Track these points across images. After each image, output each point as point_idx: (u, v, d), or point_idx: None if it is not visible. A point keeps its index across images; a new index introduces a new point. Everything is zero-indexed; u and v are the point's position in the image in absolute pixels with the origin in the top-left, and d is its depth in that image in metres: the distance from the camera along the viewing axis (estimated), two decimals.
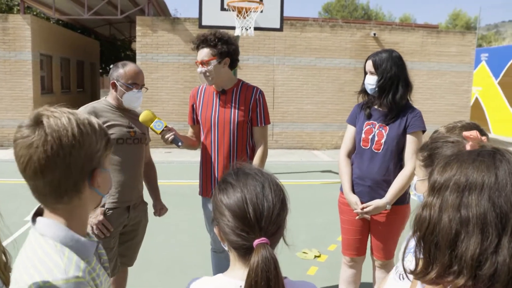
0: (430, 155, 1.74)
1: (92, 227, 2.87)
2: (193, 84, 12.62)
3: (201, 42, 3.06)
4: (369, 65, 3.04)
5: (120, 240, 3.07)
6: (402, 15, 51.30)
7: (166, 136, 2.96)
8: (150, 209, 3.33)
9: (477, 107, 17.68)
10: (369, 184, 3.02)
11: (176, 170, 9.77)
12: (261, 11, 7.55)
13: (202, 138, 3.28)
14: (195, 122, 3.36)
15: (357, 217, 3.03)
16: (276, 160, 11.13)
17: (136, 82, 2.96)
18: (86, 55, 18.67)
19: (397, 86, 2.97)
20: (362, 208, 2.96)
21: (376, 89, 2.99)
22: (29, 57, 12.57)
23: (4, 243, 4.77)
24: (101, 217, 2.86)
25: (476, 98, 18.16)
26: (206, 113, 3.20)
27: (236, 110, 3.14)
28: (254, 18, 7.39)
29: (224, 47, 3.05)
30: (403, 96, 2.98)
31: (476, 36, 14.25)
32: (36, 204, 1.27)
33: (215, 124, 3.16)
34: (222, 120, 3.15)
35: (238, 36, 7.79)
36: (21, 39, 12.55)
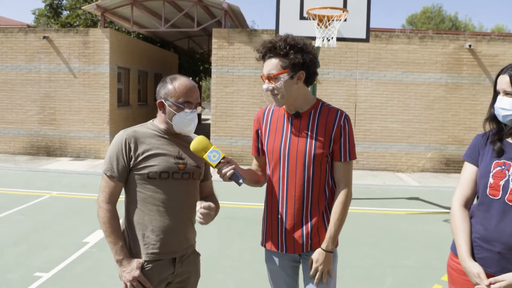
0: None
1: (126, 284, 2.24)
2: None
3: (268, 51, 2.32)
4: (505, 82, 2.12)
5: None
6: (495, 26, 47.97)
7: (224, 171, 2.23)
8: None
9: None
10: (499, 249, 2.12)
11: (248, 190, 9.12)
12: (345, 20, 6.77)
13: (268, 172, 2.52)
14: (260, 152, 2.60)
15: None
16: (357, 182, 10.18)
17: (189, 100, 2.30)
18: (164, 68, 18.73)
19: None
20: (490, 284, 2.07)
21: None
22: (107, 70, 12.59)
23: (58, 267, 4.24)
24: (137, 272, 2.23)
25: None
26: (274, 142, 2.44)
27: (314, 140, 2.36)
28: (337, 28, 6.62)
29: (298, 57, 2.29)
30: None
31: None
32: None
33: (285, 157, 2.40)
34: (294, 152, 2.38)
35: (318, 48, 7.05)
36: (100, 52, 12.62)
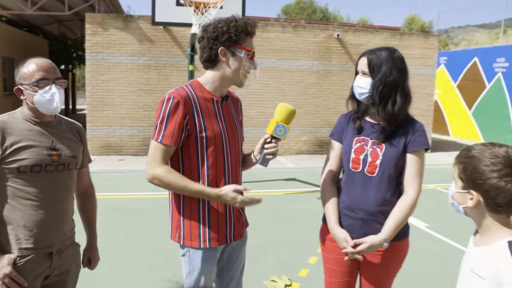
0: None
1: None
2: (148, 87, 11.81)
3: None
4: (363, 64, 2.39)
5: None
6: (360, 18, 51.62)
7: (272, 151, 2.36)
8: None
9: (436, 110, 17.62)
10: (362, 216, 2.39)
11: (129, 180, 8.95)
12: (221, 7, 6.91)
13: (200, 161, 2.28)
14: (181, 141, 2.24)
15: (347, 258, 2.38)
16: None
17: (44, 77, 2.19)
18: (33, 55, 17.16)
19: (396, 95, 2.38)
20: (354, 246, 2.34)
21: (368, 94, 2.38)
22: None
23: None
24: (8, 269, 2.11)
25: (436, 101, 18.11)
26: (213, 127, 2.27)
27: (239, 124, 2.46)
28: (213, 14, 6.73)
29: None
30: (401, 107, 2.38)
31: (438, 39, 14.05)
32: None
33: (226, 143, 2.31)
34: (232, 138, 2.35)
35: (194, 34, 7.12)
36: None
